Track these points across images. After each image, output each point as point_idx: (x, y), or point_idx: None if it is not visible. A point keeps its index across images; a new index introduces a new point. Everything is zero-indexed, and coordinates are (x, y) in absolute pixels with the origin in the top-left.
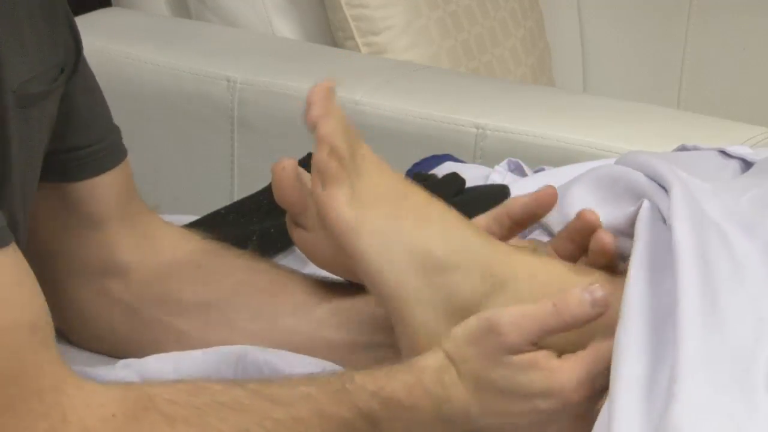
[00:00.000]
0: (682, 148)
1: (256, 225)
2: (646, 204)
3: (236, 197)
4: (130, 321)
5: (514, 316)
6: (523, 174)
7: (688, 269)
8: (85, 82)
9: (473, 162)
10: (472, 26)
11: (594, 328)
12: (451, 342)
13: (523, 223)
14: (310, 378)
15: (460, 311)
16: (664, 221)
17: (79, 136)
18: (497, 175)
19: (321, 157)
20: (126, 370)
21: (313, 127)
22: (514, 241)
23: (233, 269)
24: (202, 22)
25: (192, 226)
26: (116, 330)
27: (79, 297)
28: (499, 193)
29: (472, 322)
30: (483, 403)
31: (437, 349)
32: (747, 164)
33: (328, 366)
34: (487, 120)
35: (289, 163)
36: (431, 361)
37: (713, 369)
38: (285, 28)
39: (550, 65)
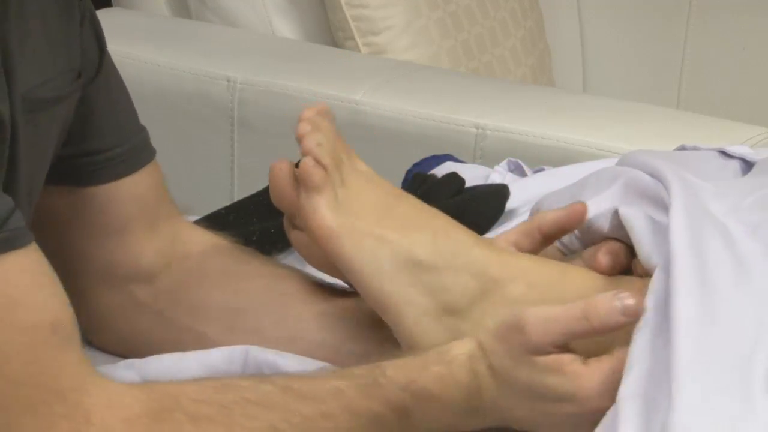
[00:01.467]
0: (682, 148)
1: (256, 225)
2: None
3: (236, 197)
4: (156, 326)
5: (540, 317)
6: (523, 174)
7: (683, 269)
8: (107, 84)
9: (473, 162)
10: (472, 26)
11: (616, 332)
12: (484, 333)
13: (553, 237)
14: (340, 372)
15: (453, 311)
16: None
17: (97, 140)
18: (497, 175)
19: (305, 166)
20: (128, 370)
21: (300, 141)
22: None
23: (260, 275)
24: (202, 22)
25: None
26: (141, 334)
27: (104, 301)
28: (499, 192)
29: (503, 317)
30: (510, 398)
31: (471, 338)
32: (747, 164)
33: (331, 367)
34: (487, 120)
35: (286, 165)
36: (464, 349)
37: (710, 371)
38: (285, 28)
39: (550, 65)
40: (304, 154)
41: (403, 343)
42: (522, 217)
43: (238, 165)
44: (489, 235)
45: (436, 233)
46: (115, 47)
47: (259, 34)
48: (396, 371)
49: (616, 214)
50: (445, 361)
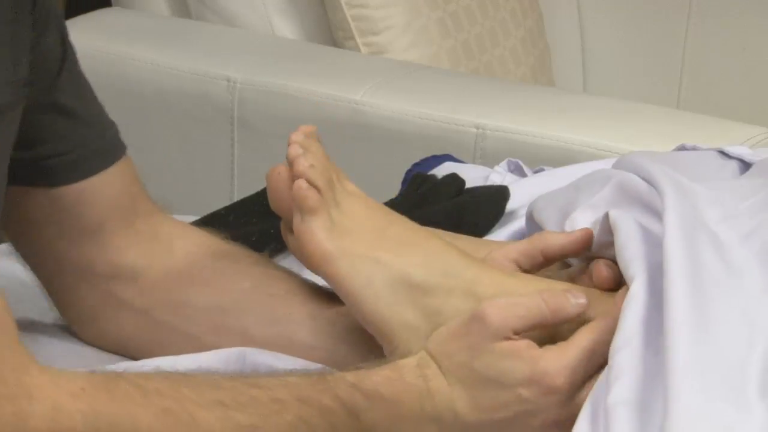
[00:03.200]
0: (682, 148)
1: (256, 225)
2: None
3: (236, 197)
4: (141, 324)
5: (500, 302)
6: (522, 174)
7: (678, 278)
8: (70, 85)
9: (473, 162)
10: (472, 26)
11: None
12: (433, 341)
13: (556, 260)
14: (292, 369)
15: None
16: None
17: (63, 141)
18: (497, 176)
19: (299, 190)
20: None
21: (291, 164)
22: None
23: (248, 274)
24: (202, 22)
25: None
26: (125, 332)
27: (86, 300)
28: (499, 193)
29: (457, 319)
30: (469, 398)
31: (418, 349)
32: (746, 165)
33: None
34: (487, 120)
35: (284, 169)
36: (412, 359)
37: (705, 377)
38: (285, 28)
39: (550, 65)
40: (297, 176)
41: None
42: (522, 219)
43: (238, 165)
44: (489, 236)
45: (428, 254)
46: (115, 47)
47: (259, 34)
48: (345, 372)
49: (606, 217)
50: (395, 367)
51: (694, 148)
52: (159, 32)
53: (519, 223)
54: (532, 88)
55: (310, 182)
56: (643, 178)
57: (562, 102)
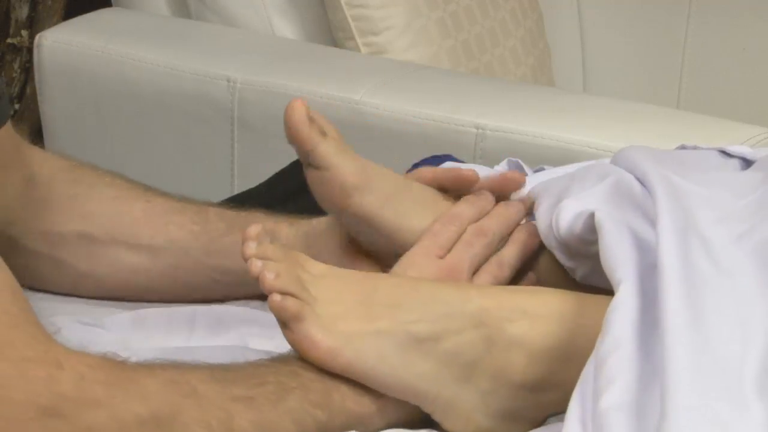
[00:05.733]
0: (682, 148)
1: None
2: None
3: None
4: (8, 251)
5: None
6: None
7: (672, 281)
8: None
9: (473, 162)
10: (472, 26)
11: None
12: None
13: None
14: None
15: (471, 369)
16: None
17: None
18: None
19: (274, 303)
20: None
21: (257, 281)
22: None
23: (107, 199)
24: (202, 22)
25: None
26: None
27: None
28: None
29: None
30: None
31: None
32: (747, 163)
33: None
34: (487, 120)
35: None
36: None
37: (701, 377)
38: (285, 28)
39: (550, 65)
40: (267, 292)
41: (440, 415)
42: None
43: (238, 165)
44: None
45: (423, 304)
46: (115, 47)
47: (259, 34)
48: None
49: (591, 216)
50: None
51: (694, 148)
52: (159, 32)
53: None
54: (532, 88)
55: (282, 292)
56: (638, 178)
57: (562, 102)
